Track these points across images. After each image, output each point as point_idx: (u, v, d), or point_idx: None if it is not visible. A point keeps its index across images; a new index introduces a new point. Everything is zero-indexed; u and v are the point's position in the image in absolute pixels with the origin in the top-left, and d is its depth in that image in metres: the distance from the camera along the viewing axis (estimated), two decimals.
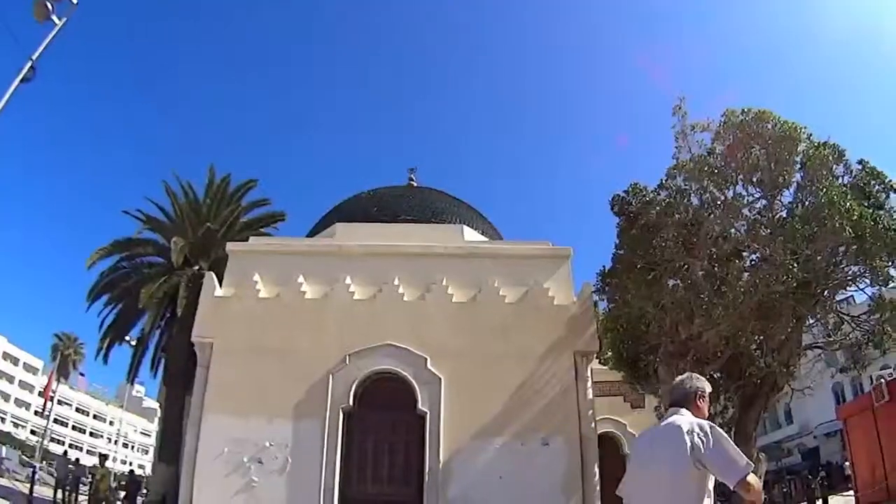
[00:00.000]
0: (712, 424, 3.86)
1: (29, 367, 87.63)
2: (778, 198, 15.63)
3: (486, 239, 22.92)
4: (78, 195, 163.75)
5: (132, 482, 28.59)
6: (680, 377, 4.48)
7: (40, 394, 75.53)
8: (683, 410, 4.17)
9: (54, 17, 13.54)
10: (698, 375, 4.48)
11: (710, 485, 3.85)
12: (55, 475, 25.45)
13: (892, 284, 14.98)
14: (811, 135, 15.25)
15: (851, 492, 19.49)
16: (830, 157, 14.85)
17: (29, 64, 13.31)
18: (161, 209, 27.97)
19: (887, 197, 14.92)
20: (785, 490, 38.17)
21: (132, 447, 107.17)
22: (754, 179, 15.59)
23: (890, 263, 14.30)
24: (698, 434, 3.78)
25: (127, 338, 27.68)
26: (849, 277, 15.07)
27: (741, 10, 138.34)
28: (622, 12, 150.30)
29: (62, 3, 13.76)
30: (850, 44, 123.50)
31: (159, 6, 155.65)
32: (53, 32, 13.67)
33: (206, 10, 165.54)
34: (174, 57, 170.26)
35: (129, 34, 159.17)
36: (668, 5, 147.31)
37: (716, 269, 15.46)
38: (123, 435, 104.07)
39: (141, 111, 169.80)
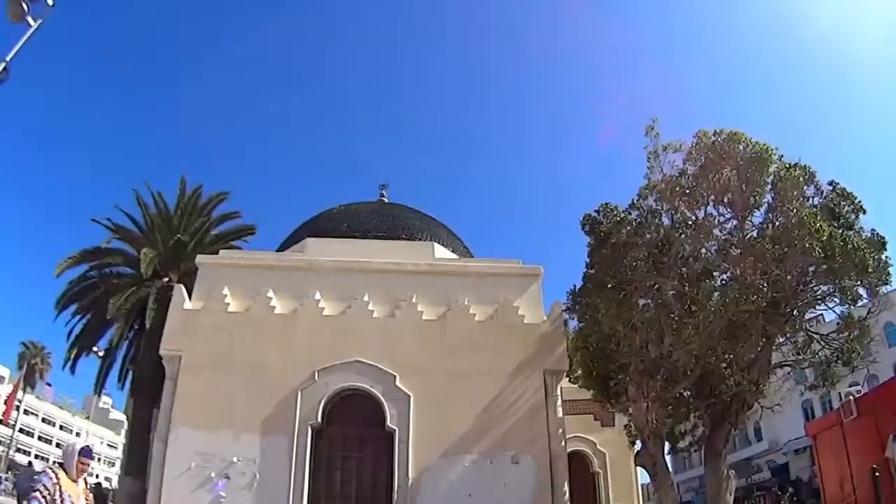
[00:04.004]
0: None
1: None
2: (749, 218, 15.74)
3: (456, 257, 22.83)
4: (47, 200, 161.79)
5: (98, 495, 28.16)
6: None
7: (5, 402, 74.33)
8: None
9: (29, 19, 13.26)
10: None
11: None
12: (17, 487, 24.96)
13: (860, 303, 15.21)
14: (782, 156, 15.38)
15: None
16: (801, 179, 14.98)
17: (2, 65, 13.04)
18: (131, 219, 27.74)
19: (857, 218, 15.11)
20: None
21: (98, 459, 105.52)
22: (725, 200, 15.66)
23: (858, 283, 14.49)
24: None
25: (95, 348, 27.39)
26: (818, 296, 15.22)
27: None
28: (591, 37, 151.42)
29: (38, 4, 13.49)
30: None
31: (133, 11, 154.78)
32: (28, 34, 13.36)
33: (184, 15, 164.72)
34: (146, 64, 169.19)
35: (104, 39, 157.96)
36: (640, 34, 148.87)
37: (686, 288, 15.47)
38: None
39: (112, 117, 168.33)
